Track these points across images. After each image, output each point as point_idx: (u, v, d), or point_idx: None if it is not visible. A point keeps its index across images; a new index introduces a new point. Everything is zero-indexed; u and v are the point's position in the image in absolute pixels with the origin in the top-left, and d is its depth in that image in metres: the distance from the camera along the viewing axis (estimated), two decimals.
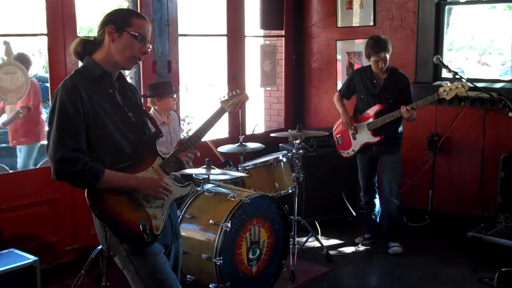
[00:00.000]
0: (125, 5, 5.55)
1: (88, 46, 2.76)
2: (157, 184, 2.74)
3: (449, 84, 5.03)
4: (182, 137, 5.30)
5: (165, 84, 5.01)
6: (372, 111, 5.32)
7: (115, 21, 2.70)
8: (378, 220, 5.72)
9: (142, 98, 4.90)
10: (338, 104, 5.57)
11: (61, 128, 2.57)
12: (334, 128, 5.68)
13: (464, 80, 5.09)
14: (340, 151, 5.63)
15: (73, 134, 2.57)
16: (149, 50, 2.82)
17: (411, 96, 5.35)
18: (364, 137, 5.38)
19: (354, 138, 5.44)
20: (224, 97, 3.30)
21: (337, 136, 5.62)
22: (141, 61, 2.98)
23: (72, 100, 2.56)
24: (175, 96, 4.92)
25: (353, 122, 5.42)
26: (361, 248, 5.57)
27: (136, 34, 2.70)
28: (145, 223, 2.70)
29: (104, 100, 2.69)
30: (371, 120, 5.31)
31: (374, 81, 5.32)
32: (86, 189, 2.65)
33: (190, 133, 3.19)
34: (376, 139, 5.32)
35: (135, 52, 2.73)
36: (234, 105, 3.27)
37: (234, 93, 3.28)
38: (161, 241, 2.82)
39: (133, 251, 2.73)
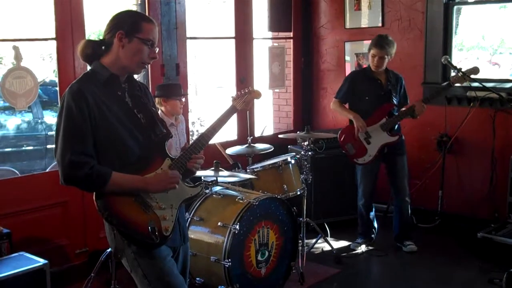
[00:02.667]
0: (133, 8, 5.57)
1: (95, 49, 2.76)
2: (163, 178, 2.74)
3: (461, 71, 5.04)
4: (191, 140, 5.32)
5: (173, 86, 5.02)
6: (382, 111, 5.28)
7: (125, 26, 2.70)
8: (375, 223, 5.69)
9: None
10: (343, 110, 5.43)
11: (68, 132, 2.58)
12: (339, 138, 5.46)
13: (471, 77, 5.09)
14: (355, 160, 5.40)
15: (79, 138, 2.59)
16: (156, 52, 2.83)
17: (406, 94, 5.43)
18: (381, 138, 5.28)
19: (369, 143, 5.30)
20: (235, 95, 3.30)
21: (347, 145, 5.39)
22: (150, 66, 2.98)
23: (77, 104, 2.58)
24: (182, 99, 4.92)
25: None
26: (370, 248, 5.56)
27: (146, 39, 2.72)
28: (154, 224, 2.69)
29: (112, 103, 2.69)
30: (384, 120, 5.26)
31: (379, 81, 5.30)
32: (94, 193, 2.67)
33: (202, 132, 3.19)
34: (395, 138, 5.27)
35: (144, 57, 2.75)
36: (246, 103, 3.26)
37: (246, 91, 3.28)
38: (169, 243, 2.82)
39: (141, 253, 2.74)
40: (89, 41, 2.79)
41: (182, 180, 2.88)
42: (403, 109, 5.25)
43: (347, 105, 5.51)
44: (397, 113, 5.25)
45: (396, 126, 5.34)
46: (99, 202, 2.65)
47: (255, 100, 3.39)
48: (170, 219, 2.77)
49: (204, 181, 4.70)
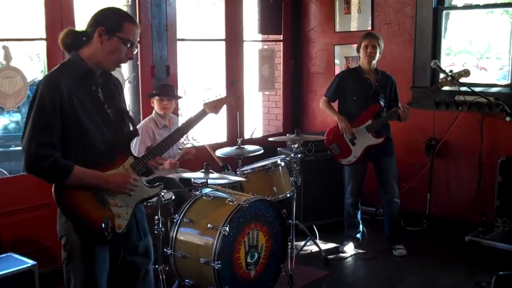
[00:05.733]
0: (123, 9, 5.56)
1: (76, 39, 2.81)
2: (125, 180, 2.80)
3: (449, 74, 5.08)
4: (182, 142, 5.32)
5: (158, 86, 5.11)
6: (368, 112, 5.31)
7: (107, 23, 2.75)
8: (360, 224, 5.71)
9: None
10: (330, 110, 5.49)
11: (37, 122, 2.63)
12: (325, 138, 5.52)
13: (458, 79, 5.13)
14: (340, 160, 5.47)
15: (47, 129, 2.63)
16: (134, 53, 2.91)
17: (398, 96, 5.45)
18: (366, 140, 5.32)
19: (354, 144, 5.35)
20: (207, 99, 3.35)
21: (332, 145, 5.46)
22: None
23: (51, 95, 2.62)
24: (163, 98, 4.94)
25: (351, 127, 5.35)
26: (358, 251, 5.58)
27: (125, 39, 2.76)
28: (108, 221, 2.76)
29: (85, 96, 2.74)
30: (369, 122, 5.29)
31: (368, 81, 5.33)
32: (53, 184, 2.72)
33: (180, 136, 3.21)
34: (380, 140, 5.30)
35: (121, 56, 2.80)
36: (216, 108, 3.33)
37: (217, 96, 3.35)
38: (126, 242, 2.89)
39: (83, 247, 2.78)
40: (71, 30, 2.84)
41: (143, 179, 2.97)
42: (387, 112, 5.28)
43: (336, 104, 5.57)
44: (383, 115, 5.28)
45: (384, 127, 5.35)
46: (57, 194, 2.71)
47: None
48: (124, 217, 2.84)
49: (194, 183, 4.72)
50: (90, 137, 2.73)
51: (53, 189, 2.71)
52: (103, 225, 2.73)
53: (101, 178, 2.75)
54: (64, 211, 2.72)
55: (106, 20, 2.76)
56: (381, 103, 5.34)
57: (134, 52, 2.88)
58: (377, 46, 5.27)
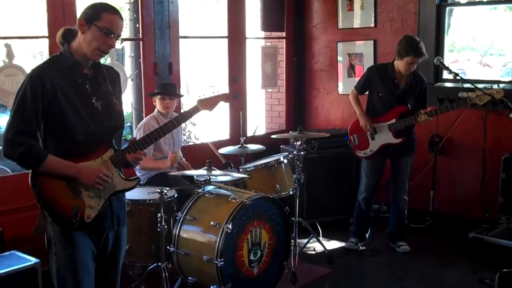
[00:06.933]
0: (125, 7, 5.56)
1: (66, 36, 2.93)
2: (95, 174, 2.85)
3: (479, 91, 5.00)
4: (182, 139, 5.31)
5: (160, 85, 5.10)
6: (395, 112, 5.25)
7: (87, 14, 2.86)
8: (369, 223, 5.68)
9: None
10: (356, 105, 5.42)
11: (17, 112, 2.77)
12: (349, 127, 5.52)
13: (465, 81, 5.10)
14: (355, 151, 5.47)
15: (26, 119, 2.75)
16: (119, 43, 2.99)
17: (426, 100, 5.36)
18: (384, 137, 5.28)
19: (373, 139, 5.32)
20: (204, 95, 3.36)
21: (353, 135, 5.44)
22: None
23: (33, 88, 2.75)
24: (165, 97, 4.94)
25: (371, 122, 5.29)
26: (362, 248, 5.57)
27: (102, 27, 2.83)
28: (78, 210, 2.84)
29: (71, 89, 2.84)
30: (393, 121, 5.24)
31: (396, 81, 5.25)
32: (30, 171, 2.82)
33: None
34: (399, 140, 5.26)
35: (100, 45, 2.87)
36: (210, 105, 3.34)
37: (214, 93, 3.38)
38: (101, 228, 2.96)
39: (60, 234, 2.87)
40: (65, 29, 2.98)
41: (120, 172, 3.00)
42: (412, 116, 5.22)
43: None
44: (407, 118, 5.20)
45: (408, 126, 5.27)
46: (33, 180, 2.81)
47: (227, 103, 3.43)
48: (95, 207, 2.90)
49: (197, 180, 4.71)
50: (71, 127, 2.83)
51: (29, 175, 2.82)
52: (72, 213, 2.82)
53: (72, 169, 2.83)
54: (37, 197, 2.82)
55: (87, 12, 2.88)
56: (408, 105, 5.28)
57: (120, 44, 2.98)
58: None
